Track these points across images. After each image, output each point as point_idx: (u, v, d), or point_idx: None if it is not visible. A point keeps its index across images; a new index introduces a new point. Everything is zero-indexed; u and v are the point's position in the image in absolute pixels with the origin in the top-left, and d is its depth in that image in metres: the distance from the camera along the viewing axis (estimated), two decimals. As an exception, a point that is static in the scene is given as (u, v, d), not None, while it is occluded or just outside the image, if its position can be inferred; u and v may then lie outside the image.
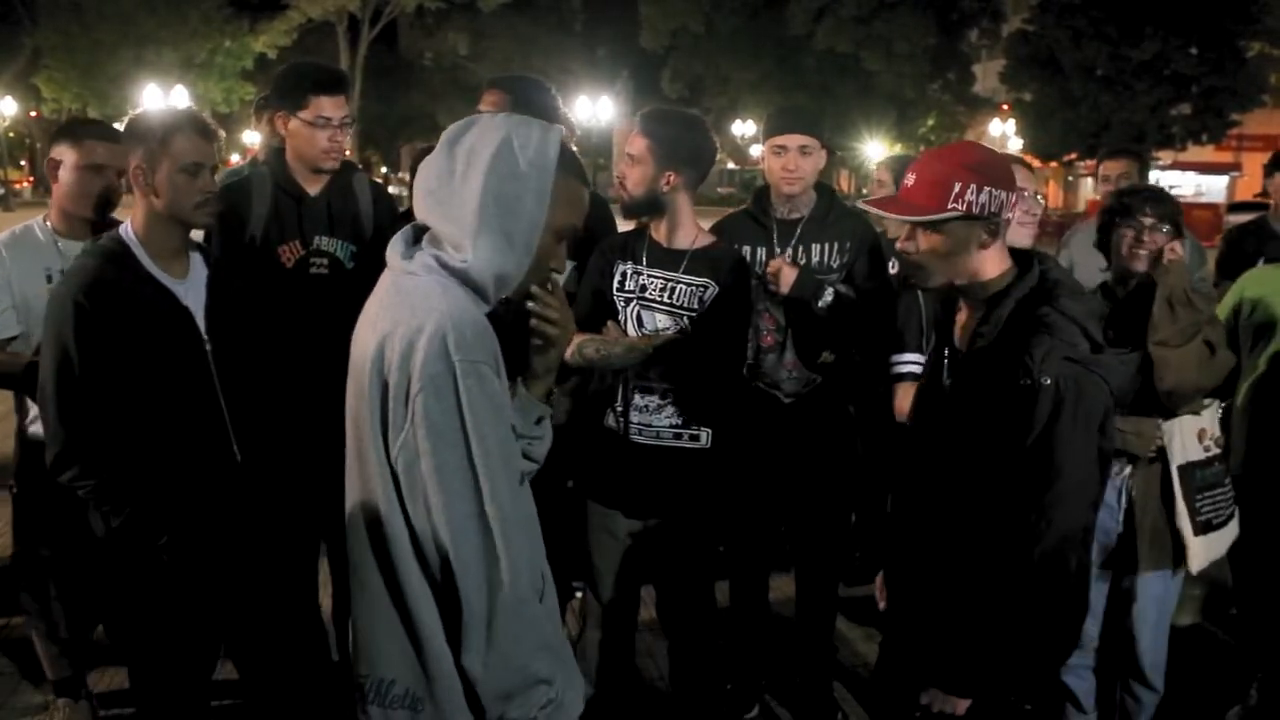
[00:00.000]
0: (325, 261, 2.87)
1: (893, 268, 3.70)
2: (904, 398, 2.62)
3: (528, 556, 1.50)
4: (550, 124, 1.58)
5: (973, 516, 1.90)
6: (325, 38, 34.23)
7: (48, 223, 2.79)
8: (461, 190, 1.50)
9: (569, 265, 2.87)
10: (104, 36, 30.93)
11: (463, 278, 1.51)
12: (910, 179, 1.90)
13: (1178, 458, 2.64)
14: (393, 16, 36.02)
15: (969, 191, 1.83)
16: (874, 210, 2.08)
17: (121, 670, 3.08)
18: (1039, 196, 2.60)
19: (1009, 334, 1.86)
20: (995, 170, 1.87)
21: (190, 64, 32.24)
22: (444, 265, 1.51)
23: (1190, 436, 2.66)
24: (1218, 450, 2.72)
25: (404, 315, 1.46)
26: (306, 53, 27.13)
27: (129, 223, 2.24)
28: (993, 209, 1.85)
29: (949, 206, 1.83)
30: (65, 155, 2.70)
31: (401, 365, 1.43)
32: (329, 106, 2.79)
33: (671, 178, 2.60)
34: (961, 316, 2.03)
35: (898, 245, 1.97)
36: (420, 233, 1.61)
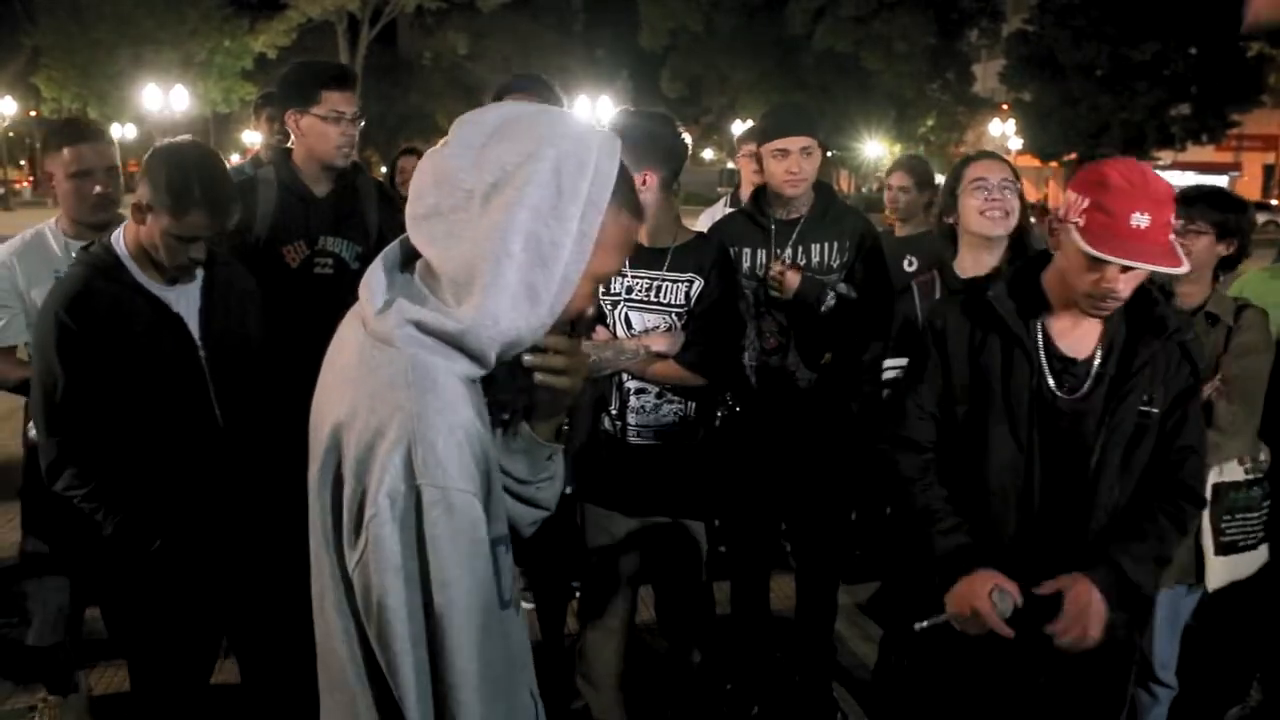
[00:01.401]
0: (330, 262, 2.86)
1: (909, 265, 3.70)
2: None
3: (505, 709, 1.17)
4: (613, 135, 1.21)
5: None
6: (325, 37, 34.17)
7: (59, 226, 2.82)
8: (481, 220, 1.11)
9: None
10: (103, 36, 30.91)
11: (457, 343, 1.14)
12: (1144, 219, 1.80)
13: (1213, 476, 2.59)
14: (392, 16, 35.97)
15: (1173, 219, 1.88)
16: (1147, 267, 1.84)
17: (121, 670, 3.08)
18: (1006, 185, 2.58)
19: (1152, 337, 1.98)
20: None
21: (189, 63, 32.21)
22: (428, 331, 1.14)
23: (1233, 461, 2.64)
24: (1259, 475, 2.67)
25: (363, 405, 1.12)
26: (306, 52, 27.09)
27: (121, 231, 2.24)
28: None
29: (1172, 238, 1.86)
30: (54, 167, 2.73)
31: (357, 473, 1.11)
32: (341, 101, 2.79)
33: (648, 177, 2.60)
34: (1064, 324, 2.02)
35: (1122, 295, 1.91)
36: (410, 255, 1.23)
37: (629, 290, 2.66)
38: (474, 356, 1.16)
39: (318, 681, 1.28)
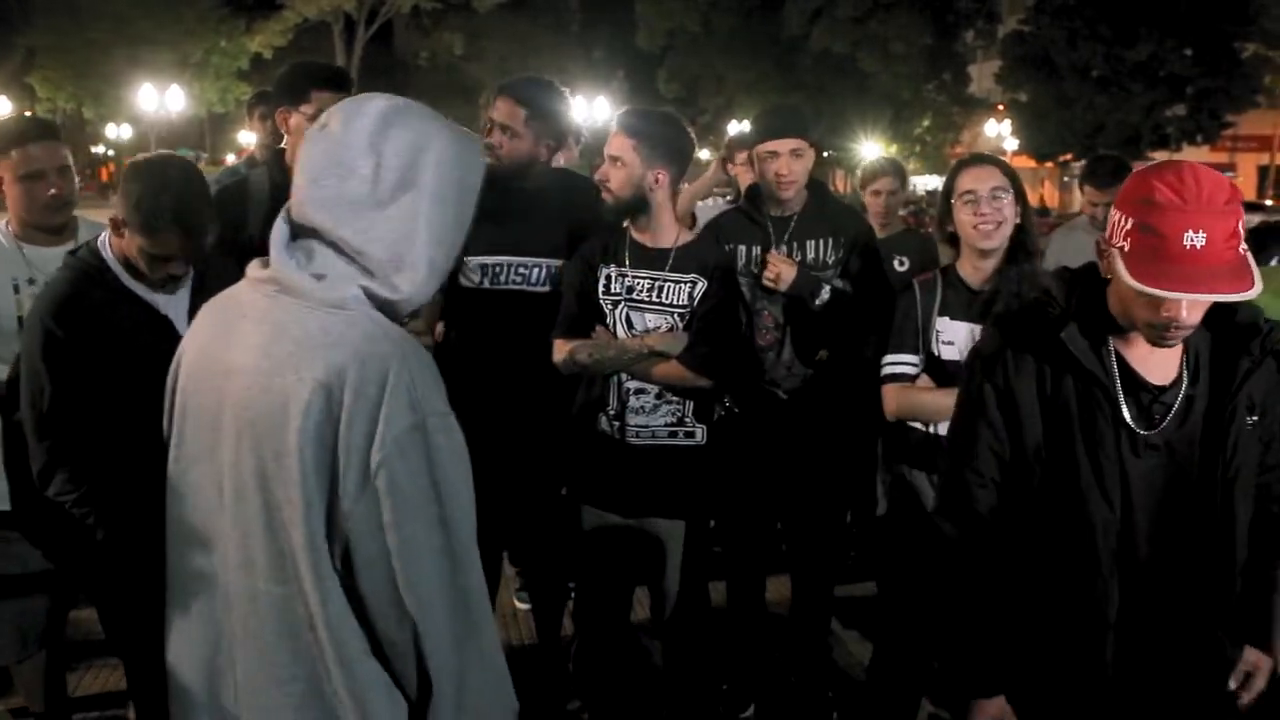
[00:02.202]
0: None
1: (900, 265, 3.70)
2: (891, 399, 2.62)
3: (494, 628, 1.35)
4: (475, 135, 1.43)
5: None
6: (321, 38, 34.12)
7: (9, 229, 2.65)
8: (392, 209, 1.27)
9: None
10: (98, 36, 30.83)
11: (389, 309, 1.31)
12: (1200, 238, 1.52)
13: None
14: (388, 17, 35.91)
15: (1242, 225, 1.58)
16: (1206, 297, 1.57)
17: (118, 670, 3.08)
18: (998, 193, 2.55)
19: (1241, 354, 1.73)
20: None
21: (186, 64, 32.15)
22: (372, 297, 1.29)
23: None
24: None
25: (350, 362, 1.21)
26: (302, 53, 27.07)
27: (106, 234, 2.23)
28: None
29: (1242, 250, 1.57)
30: (3, 170, 2.57)
31: (359, 426, 1.20)
32: (331, 102, 2.74)
33: (660, 175, 2.61)
34: (1140, 351, 1.73)
35: (1185, 323, 1.61)
36: (296, 231, 1.33)
37: (630, 290, 2.67)
38: (397, 316, 1.33)
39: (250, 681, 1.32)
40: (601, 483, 2.72)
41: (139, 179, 2.08)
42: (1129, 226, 1.60)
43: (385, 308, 1.30)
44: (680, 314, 2.64)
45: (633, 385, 2.65)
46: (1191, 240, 1.52)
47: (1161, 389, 1.72)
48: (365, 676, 1.26)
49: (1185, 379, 1.73)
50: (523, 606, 3.92)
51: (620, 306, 2.67)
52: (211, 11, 32.47)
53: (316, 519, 1.21)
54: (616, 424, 2.67)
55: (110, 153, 42.22)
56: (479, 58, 36.58)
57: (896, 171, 4.24)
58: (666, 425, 2.67)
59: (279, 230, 1.32)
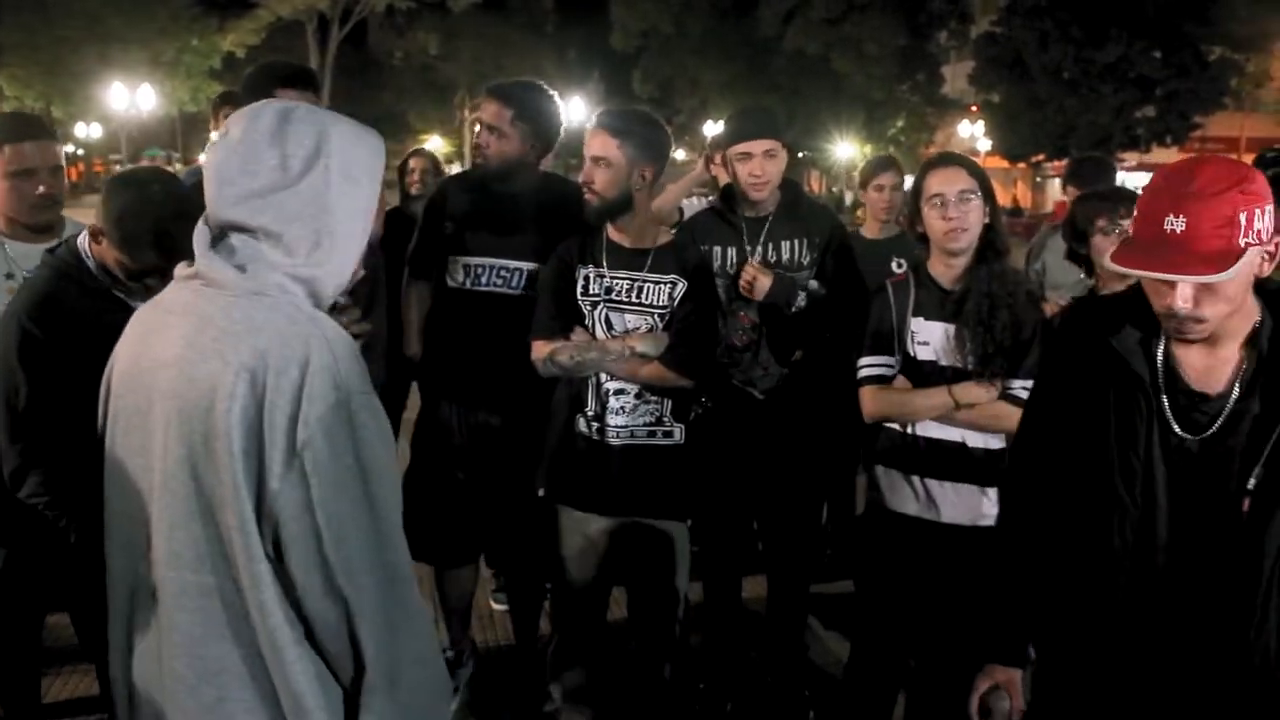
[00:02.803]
0: None
1: (899, 268, 3.71)
2: (869, 400, 2.63)
3: (424, 607, 1.37)
4: (371, 130, 1.45)
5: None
6: (294, 37, 33.93)
7: None
8: (302, 191, 1.31)
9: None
10: (68, 34, 30.44)
11: (314, 287, 1.34)
12: (1179, 223, 1.51)
13: None
14: (362, 16, 35.76)
15: (1256, 218, 1.51)
16: (1164, 276, 1.55)
17: (90, 675, 3.05)
18: (966, 196, 2.56)
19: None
20: (1264, 185, 1.56)
21: (157, 62, 31.81)
22: (297, 278, 1.32)
23: None
24: None
25: (272, 346, 1.24)
26: (275, 52, 26.86)
27: (85, 234, 2.21)
28: (1275, 230, 1.56)
29: (1243, 244, 1.51)
30: None
31: (283, 407, 1.22)
32: (295, 99, 2.78)
33: (646, 173, 2.62)
34: (1193, 355, 1.66)
35: (1181, 311, 1.57)
36: (219, 232, 1.35)
37: (609, 291, 2.67)
38: (317, 302, 1.35)
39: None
40: (581, 483, 2.72)
41: (122, 194, 2.07)
42: (1134, 215, 1.62)
43: (312, 290, 1.33)
44: (660, 314, 2.65)
45: (612, 386, 2.65)
46: (1172, 224, 1.52)
47: (1205, 396, 1.65)
48: (298, 664, 1.27)
49: (1238, 389, 1.64)
50: (499, 608, 3.91)
51: (599, 307, 2.67)
52: (184, 10, 32.16)
53: (246, 502, 1.22)
54: (596, 424, 2.67)
55: (80, 152, 41.72)
56: (453, 58, 36.51)
57: (896, 166, 4.33)
58: (645, 425, 2.67)
59: (200, 234, 1.35)
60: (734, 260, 3.00)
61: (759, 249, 3.01)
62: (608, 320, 2.67)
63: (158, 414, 1.30)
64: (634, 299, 2.66)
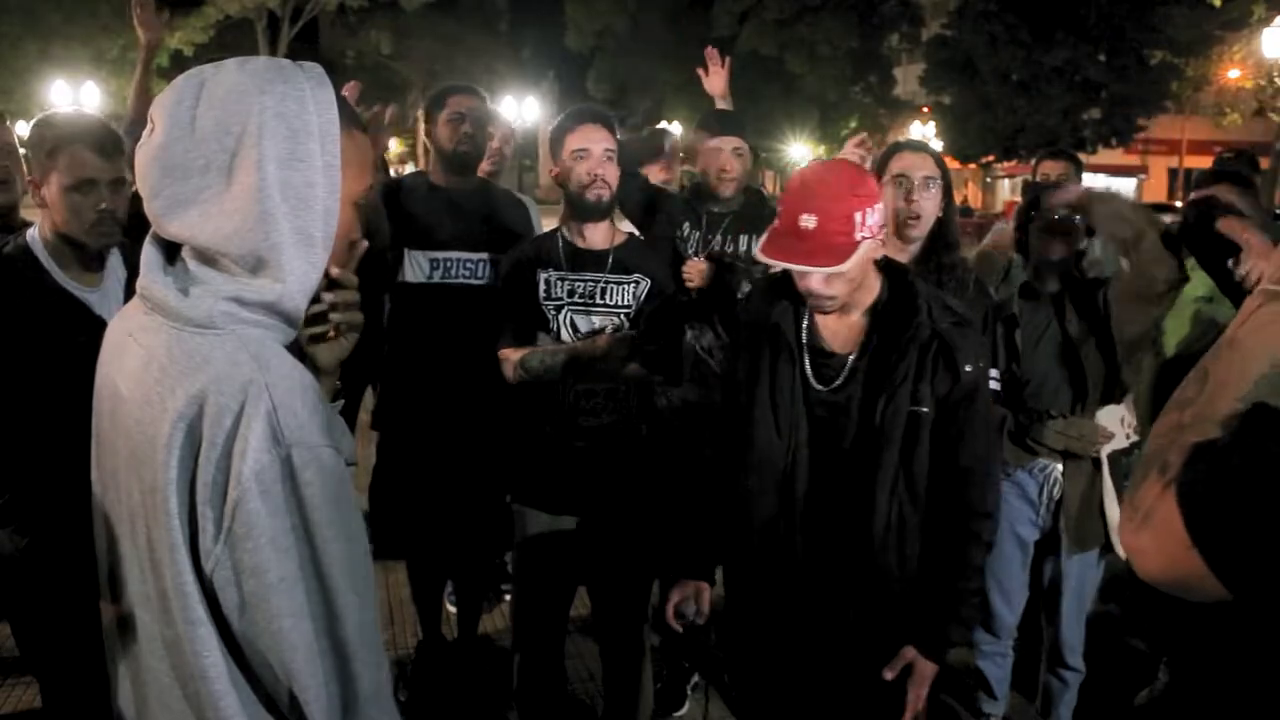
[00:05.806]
0: None
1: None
2: None
3: (382, 667, 1.19)
4: (309, 65, 1.21)
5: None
6: (244, 35, 33.39)
7: None
8: (232, 189, 1.12)
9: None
10: (7, 29, 29.76)
11: (275, 309, 1.16)
12: (810, 221, 1.86)
13: (1107, 446, 2.72)
14: (313, 14, 35.28)
15: (869, 216, 1.91)
16: (794, 267, 1.93)
17: (32, 687, 2.98)
18: (930, 183, 2.62)
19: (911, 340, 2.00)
20: (875, 187, 1.99)
21: (101, 60, 31.17)
22: (246, 303, 1.14)
23: (1116, 425, 2.76)
24: (1136, 438, 2.82)
25: (210, 391, 1.09)
26: (224, 50, 26.40)
27: (38, 227, 2.16)
28: (881, 224, 1.98)
29: (859, 238, 1.89)
30: None
31: (217, 461, 1.08)
32: None
33: (619, 173, 2.66)
34: (829, 322, 2.07)
35: (815, 291, 1.97)
36: (170, 250, 1.20)
37: (571, 293, 2.66)
38: (289, 319, 1.18)
39: None
40: (544, 485, 2.71)
41: (36, 126, 2.10)
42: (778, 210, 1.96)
43: (275, 311, 1.16)
44: (625, 314, 2.65)
45: (580, 386, 2.64)
46: (805, 221, 1.87)
47: (833, 354, 2.06)
48: None
49: (857, 350, 2.04)
50: (450, 609, 3.89)
51: (564, 310, 2.67)
52: (129, 6, 31.56)
53: (183, 562, 1.10)
54: (562, 425, 2.65)
55: (23, 152, 40.76)
56: (406, 56, 36.14)
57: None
58: (613, 424, 2.66)
59: (148, 251, 1.19)
60: (695, 240, 3.21)
61: (717, 238, 3.16)
62: (573, 323, 2.66)
63: (121, 448, 1.19)
64: (599, 300, 2.66)
